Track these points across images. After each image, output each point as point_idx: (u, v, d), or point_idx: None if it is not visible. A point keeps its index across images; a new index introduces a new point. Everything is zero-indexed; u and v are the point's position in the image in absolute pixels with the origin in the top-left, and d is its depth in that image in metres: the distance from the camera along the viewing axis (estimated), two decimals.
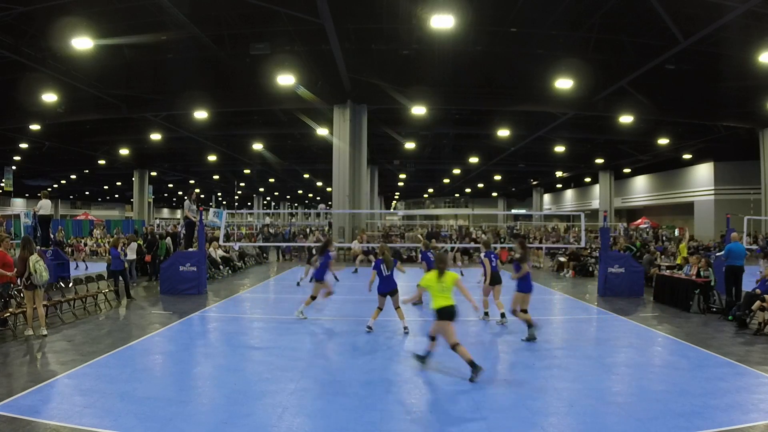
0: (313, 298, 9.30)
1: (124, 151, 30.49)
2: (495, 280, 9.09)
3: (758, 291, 8.79)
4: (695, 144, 27.35)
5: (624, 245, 15.23)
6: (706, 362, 6.73)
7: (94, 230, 31.50)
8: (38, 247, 12.00)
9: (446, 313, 5.85)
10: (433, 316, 5.96)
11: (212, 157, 33.50)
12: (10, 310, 8.30)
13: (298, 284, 13.90)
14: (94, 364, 6.45)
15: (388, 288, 8.27)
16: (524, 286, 7.93)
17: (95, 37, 13.78)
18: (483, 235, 22.19)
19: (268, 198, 67.25)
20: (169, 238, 15.61)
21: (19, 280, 8.23)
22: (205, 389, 5.75)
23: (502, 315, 8.96)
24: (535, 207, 55.31)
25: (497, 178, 46.49)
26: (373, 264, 8.44)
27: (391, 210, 69.66)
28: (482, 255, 9.33)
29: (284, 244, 23.70)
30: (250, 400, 5.31)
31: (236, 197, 61.25)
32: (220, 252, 17.30)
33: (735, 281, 10.32)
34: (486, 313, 9.28)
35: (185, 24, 13.58)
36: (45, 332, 8.05)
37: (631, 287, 12.17)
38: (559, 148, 30.18)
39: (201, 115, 21.26)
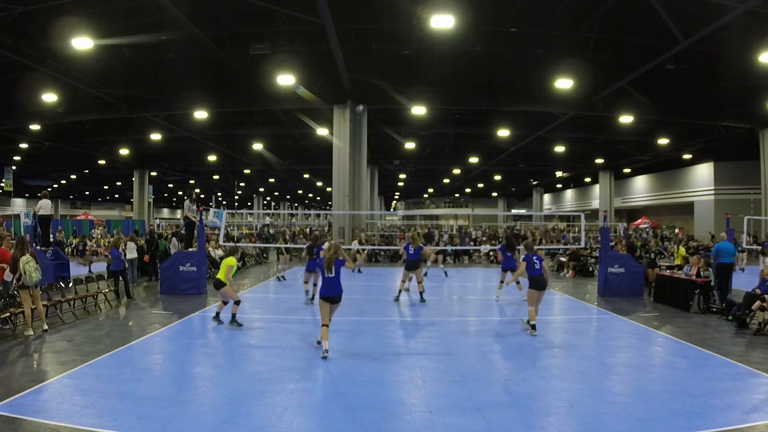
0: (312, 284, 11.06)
1: (124, 151, 30.48)
2: (539, 285, 8.32)
3: (758, 291, 8.79)
4: (695, 144, 27.35)
5: (656, 248, 15.16)
6: (706, 362, 6.73)
7: (94, 230, 31.48)
8: (38, 248, 12.06)
9: (214, 283, 8.93)
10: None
11: (212, 157, 33.50)
12: (11, 309, 8.32)
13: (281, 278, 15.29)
14: (94, 364, 6.45)
15: (329, 293, 7.03)
16: (311, 265, 10.82)
17: (95, 37, 13.78)
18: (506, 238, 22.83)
19: (268, 198, 67.26)
20: (174, 238, 15.57)
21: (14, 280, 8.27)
22: (205, 389, 5.75)
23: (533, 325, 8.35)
24: (535, 207, 55.29)
25: (497, 178, 46.47)
26: (317, 261, 7.89)
27: (391, 210, 69.71)
28: (521, 258, 8.87)
29: (284, 245, 23.68)
30: (250, 400, 5.31)
31: (236, 197, 61.25)
32: (219, 252, 17.29)
33: (725, 277, 10.63)
34: (533, 326, 8.22)
35: (185, 24, 13.57)
36: (46, 327, 8.20)
37: (631, 287, 12.18)
38: (559, 148, 30.17)
39: (201, 115, 21.25)
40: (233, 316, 8.76)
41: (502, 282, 11.84)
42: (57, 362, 6.57)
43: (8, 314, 8.20)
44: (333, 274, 7.02)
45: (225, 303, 8.97)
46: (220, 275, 8.78)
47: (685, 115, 21.53)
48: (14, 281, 8.23)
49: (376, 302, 11.60)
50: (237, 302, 8.81)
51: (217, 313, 8.96)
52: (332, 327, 8.84)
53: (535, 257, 8.31)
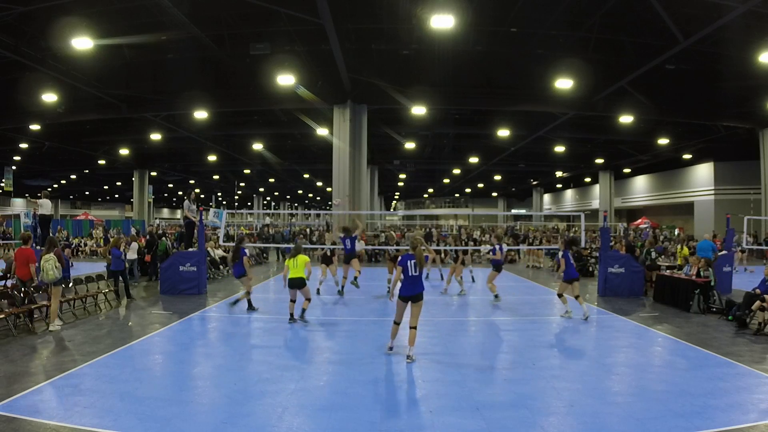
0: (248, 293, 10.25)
1: (124, 151, 30.50)
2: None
3: (758, 291, 8.79)
4: (695, 144, 27.35)
5: (647, 248, 15.11)
6: (706, 362, 6.73)
7: (94, 230, 31.49)
8: (38, 247, 12.06)
9: (294, 282, 8.88)
10: (288, 284, 8.89)
11: (212, 157, 33.50)
12: (30, 305, 8.56)
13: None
14: (94, 364, 6.45)
15: (412, 290, 6.70)
16: (237, 271, 10.21)
17: (95, 37, 13.78)
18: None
19: (268, 198, 67.27)
20: (164, 237, 15.59)
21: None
22: (205, 389, 5.75)
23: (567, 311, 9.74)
24: (535, 207, 55.30)
25: (497, 178, 46.48)
26: (399, 260, 6.89)
27: (391, 210, 69.71)
28: (560, 254, 10.38)
29: (284, 245, 23.71)
30: (250, 400, 5.31)
31: (236, 197, 61.28)
32: (219, 252, 17.29)
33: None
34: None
35: (185, 24, 13.57)
36: (53, 327, 8.27)
37: (631, 287, 12.18)
38: (559, 148, 30.18)
39: (201, 115, 21.26)
40: (303, 311, 9.24)
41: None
42: (57, 362, 6.57)
43: (24, 310, 8.36)
44: (417, 273, 6.72)
45: (293, 301, 9.15)
46: (302, 273, 8.84)
47: (685, 115, 21.53)
48: (35, 278, 8.60)
49: (376, 302, 11.60)
50: (309, 299, 9.29)
51: (291, 314, 9.15)
52: (331, 327, 8.90)
53: (568, 253, 9.83)
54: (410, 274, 6.68)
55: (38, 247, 12.22)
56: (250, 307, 10.22)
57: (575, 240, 11.77)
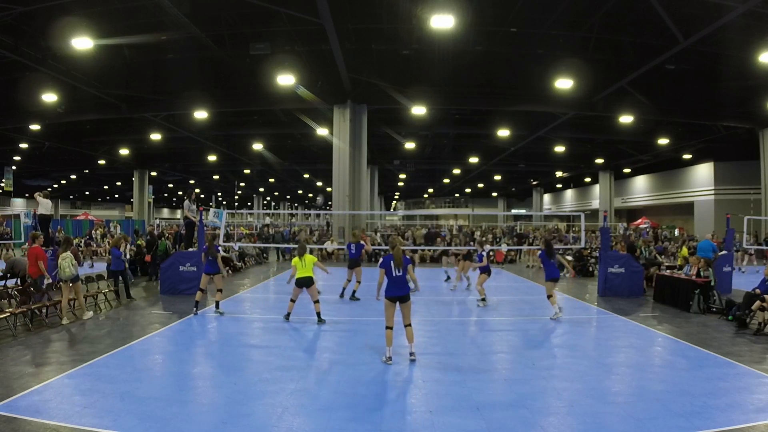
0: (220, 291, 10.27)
1: (124, 151, 30.49)
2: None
3: (758, 291, 8.79)
4: (695, 144, 27.34)
5: (643, 247, 15.10)
6: (706, 362, 6.74)
7: (95, 230, 31.41)
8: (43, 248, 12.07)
9: (302, 281, 8.97)
10: (295, 283, 9.00)
11: (212, 157, 33.51)
12: (46, 302, 8.99)
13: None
14: (94, 364, 6.45)
15: (398, 291, 6.69)
16: (209, 269, 9.92)
17: (95, 37, 13.77)
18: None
19: (268, 198, 67.28)
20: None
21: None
22: (205, 389, 5.75)
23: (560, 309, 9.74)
24: (535, 207, 55.29)
25: (497, 178, 46.47)
26: (380, 261, 6.91)
27: (391, 210, 69.71)
28: (538, 254, 10.87)
29: (283, 245, 23.72)
30: (250, 400, 5.31)
31: (236, 197, 61.26)
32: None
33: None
34: (560, 308, 9.77)
35: (185, 24, 13.57)
36: (65, 321, 8.67)
37: (631, 287, 12.18)
38: (559, 148, 30.16)
39: (201, 115, 21.25)
40: (319, 314, 9.14)
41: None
42: (57, 362, 6.57)
43: (24, 310, 8.46)
44: (401, 273, 6.71)
45: (293, 301, 9.31)
46: (310, 272, 8.98)
47: (685, 115, 21.52)
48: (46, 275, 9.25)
49: (376, 301, 11.58)
50: (317, 301, 9.20)
51: (289, 313, 9.34)
52: (331, 326, 8.89)
53: (542, 254, 10.03)
54: (393, 275, 6.70)
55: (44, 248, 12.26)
56: (196, 308, 9.83)
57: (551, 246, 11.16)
